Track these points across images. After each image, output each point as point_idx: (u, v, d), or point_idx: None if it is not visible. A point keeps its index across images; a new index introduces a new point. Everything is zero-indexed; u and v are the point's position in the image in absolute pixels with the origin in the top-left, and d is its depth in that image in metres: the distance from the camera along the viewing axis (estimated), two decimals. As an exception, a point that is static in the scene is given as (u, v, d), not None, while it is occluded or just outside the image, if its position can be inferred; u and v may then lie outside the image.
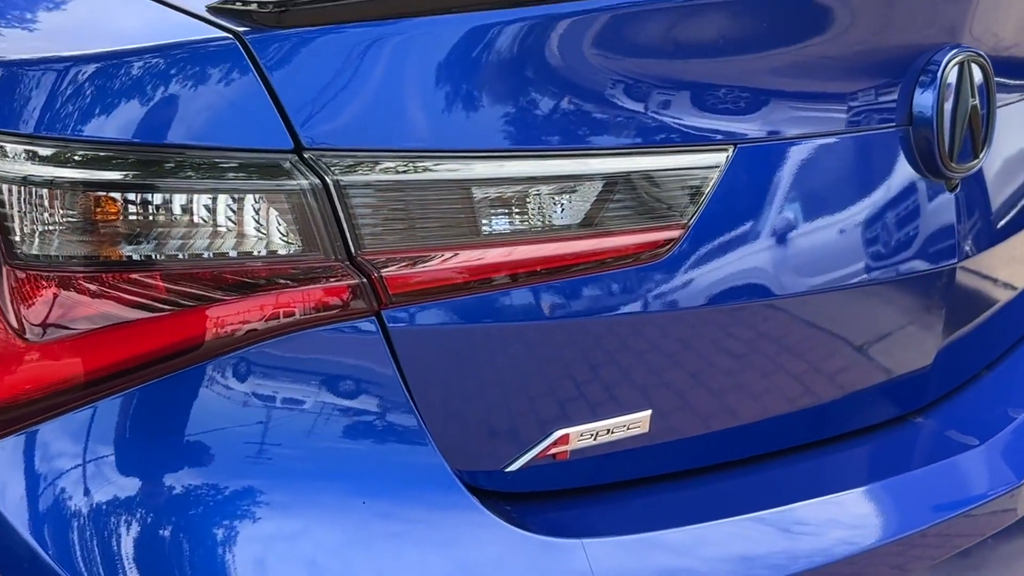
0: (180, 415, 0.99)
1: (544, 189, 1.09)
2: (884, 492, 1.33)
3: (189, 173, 0.99)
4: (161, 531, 0.95)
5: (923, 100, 1.32)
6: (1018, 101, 1.50)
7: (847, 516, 1.28)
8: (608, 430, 1.15)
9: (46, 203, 0.99)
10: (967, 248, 1.41)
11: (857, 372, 1.37)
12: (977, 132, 1.38)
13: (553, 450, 1.13)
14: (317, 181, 1.00)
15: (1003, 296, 1.57)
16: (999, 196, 1.48)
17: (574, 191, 1.10)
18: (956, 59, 1.34)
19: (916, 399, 1.45)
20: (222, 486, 0.97)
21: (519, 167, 1.08)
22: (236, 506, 0.96)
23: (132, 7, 1.08)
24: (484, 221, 1.06)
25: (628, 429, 1.17)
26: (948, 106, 1.33)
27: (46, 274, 0.98)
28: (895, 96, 1.32)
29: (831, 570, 1.21)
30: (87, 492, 0.96)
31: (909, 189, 1.35)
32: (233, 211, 1.00)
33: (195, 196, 0.99)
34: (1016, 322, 1.63)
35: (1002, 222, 1.49)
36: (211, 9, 1.00)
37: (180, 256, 0.99)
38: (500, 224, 1.07)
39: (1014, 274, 1.58)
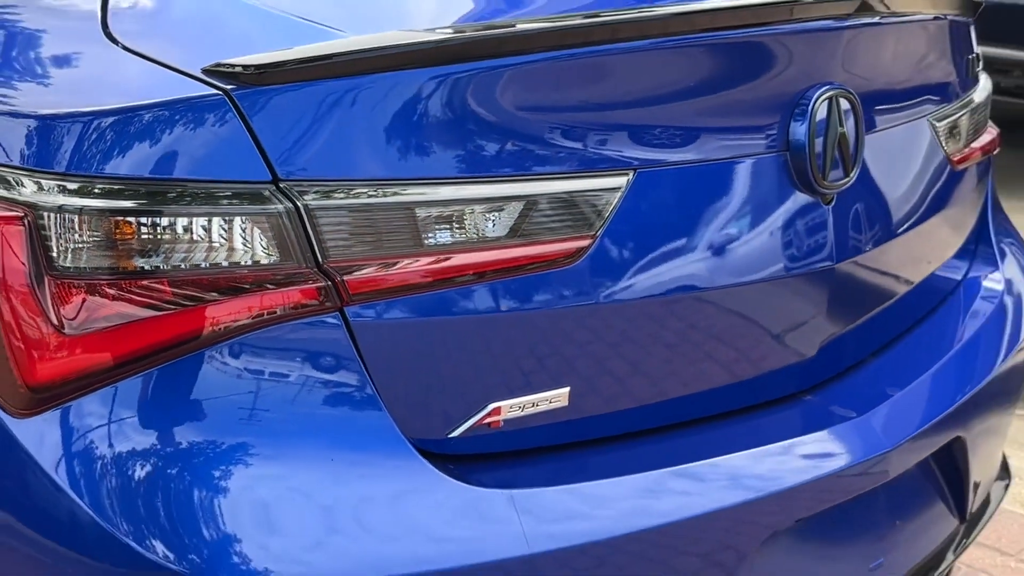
0: (187, 389, 1.23)
1: (477, 208, 1.33)
2: (774, 455, 1.57)
3: (188, 201, 1.23)
4: (173, 475, 1.19)
5: (797, 130, 1.57)
6: (887, 128, 1.75)
7: (740, 473, 1.51)
8: (533, 403, 1.39)
9: (76, 226, 1.22)
10: (843, 252, 1.66)
11: (751, 358, 1.61)
12: (846, 155, 1.62)
13: (488, 420, 1.37)
14: (291, 205, 1.24)
15: (882, 293, 1.81)
16: (872, 208, 1.72)
17: (501, 209, 1.35)
18: (825, 95, 1.58)
19: (805, 380, 1.69)
20: (220, 441, 1.21)
21: (455, 191, 1.32)
22: (232, 455, 1.21)
23: (139, 67, 1.32)
24: (427, 234, 1.30)
25: (551, 403, 1.41)
26: (818, 134, 1.58)
27: (77, 282, 1.22)
28: (776, 127, 1.57)
29: (722, 514, 1.44)
30: (114, 449, 1.20)
31: (790, 203, 1.59)
32: (224, 230, 1.23)
33: (193, 219, 1.23)
34: (897, 316, 1.87)
35: (875, 230, 1.73)
36: (205, 71, 1.24)
37: (182, 266, 1.23)
38: (441, 236, 1.31)
39: (891, 275, 1.82)
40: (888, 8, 1.72)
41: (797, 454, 1.59)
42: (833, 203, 1.64)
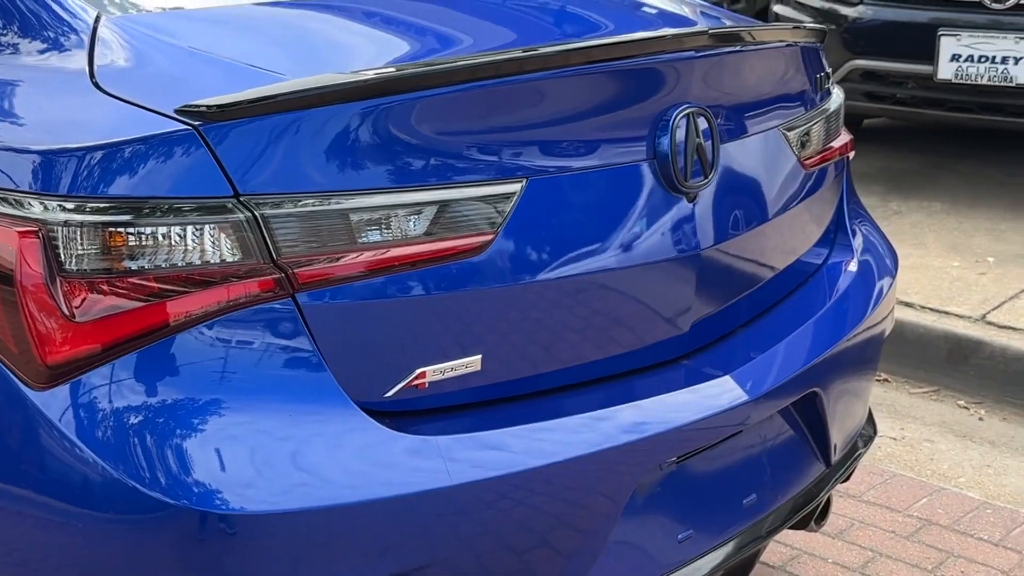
0: (173, 361, 1.52)
1: (400, 212, 1.63)
2: (654, 407, 1.88)
3: (166, 214, 1.52)
4: (160, 425, 1.48)
5: (662, 141, 1.88)
6: (743, 137, 2.07)
7: (624, 421, 1.82)
8: (452, 368, 1.69)
9: (79, 237, 1.51)
10: (706, 241, 1.97)
11: (634, 330, 1.92)
12: (704, 161, 1.94)
13: (416, 382, 1.67)
14: (249, 214, 1.53)
15: (747, 274, 2.13)
16: (731, 205, 2.04)
17: (420, 212, 1.64)
18: (684, 112, 1.90)
19: (682, 347, 2.00)
20: (199, 398, 1.50)
21: (382, 199, 1.61)
22: (209, 408, 1.50)
23: (123, 110, 1.61)
24: (361, 234, 1.60)
25: (466, 368, 1.71)
26: (679, 144, 1.89)
27: (82, 281, 1.51)
28: (645, 139, 1.88)
29: (607, 454, 1.75)
30: (114, 409, 1.49)
31: (659, 202, 1.90)
32: (196, 235, 1.53)
33: (171, 228, 1.52)
34: (763, 294, 2.19)
35: (735, 222, 2.05)
36: (177, 110, 1.54)
37: (164, 265, 1.52)
38: (373, 235, 1.61)
39: (755, 259, 2.14)
40: (739, 41, 2.05)
41: (673, 405, 1.89)
42: (696, 201, 1.95)
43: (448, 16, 2.06)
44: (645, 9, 2.35)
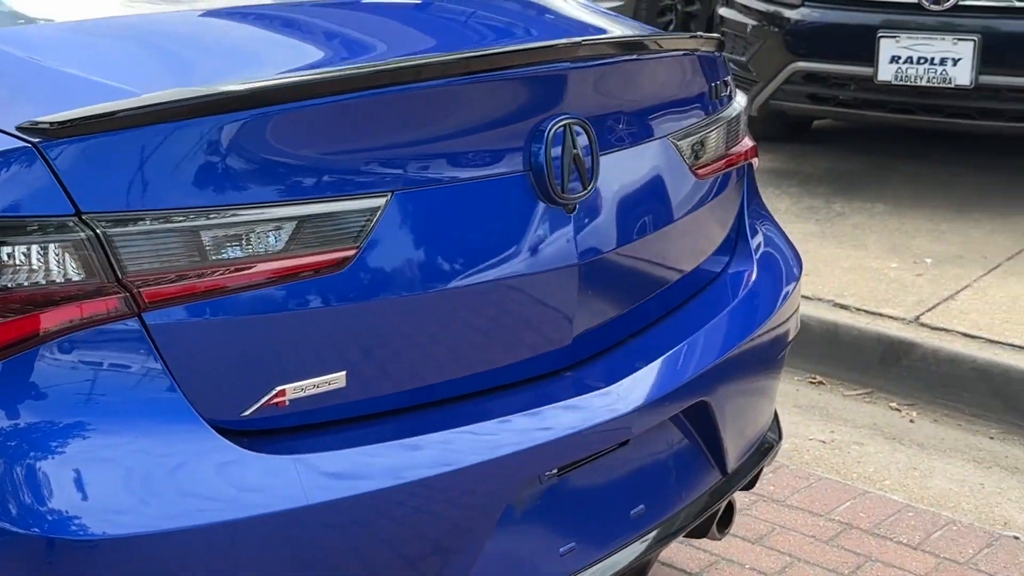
0: (24, 381, 1.48)
1: (255, 228, 1.60)
2: (530, 421, 1.85)
3: (9, 233, 1.48)
4: (18, 447, 1.45)
5: (537, 153, 1.86)
6: (628, 147, 2.04)
7: (497, 436, 1.79)
8: (314, 386, 1.66)
9: None
10: (586, 253, 1.94)
11: (509, 342, 1.89)
12: (583, 172, 1.91)
13: (275, 400, 1.64)
14: (91, 233, 1.50)
15: (635, 284, 2.10)
16: (614, 215, 2.01)
17: (276, 228, 1.61)
18: (560, 124, 1.87)
19: (564, 359, 1.98)
20: (52, 419, 1.48)
21: (232, 216, 1.58)
22: (54, 431, 1.47)
23: None
24: (211, 250, 1.57)
25: (330, 385, 1.68)
26: (554, 155, 1.87)
27: None
28: (520, 151, 1.86)
29: (475, 470, 1.72)
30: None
31: (536, 213, 1.88)
32: (40, 255, 1.50)
33: (15, 247, 1.49)
34: (655, 303, 2.17)
35: (619, 233, 2.02)
36: (19, 128, 1.51)
37: (9, 285, 1.49)
38: (224, 252, 1.58)
39: (643, 269, 2.11)
40: (622, 51, 2.02)
41: (549, 419, 1.87)
42: (576, 212, 1.93)
43: (329, 28, 2.03)
44: (535, 18, 2.32)
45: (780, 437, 2.58)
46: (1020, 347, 3.88)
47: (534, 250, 1.88)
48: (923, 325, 4.08)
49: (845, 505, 3.25)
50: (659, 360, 2.06)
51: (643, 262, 2.11)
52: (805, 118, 5.83)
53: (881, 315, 4.17)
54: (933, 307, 4.19)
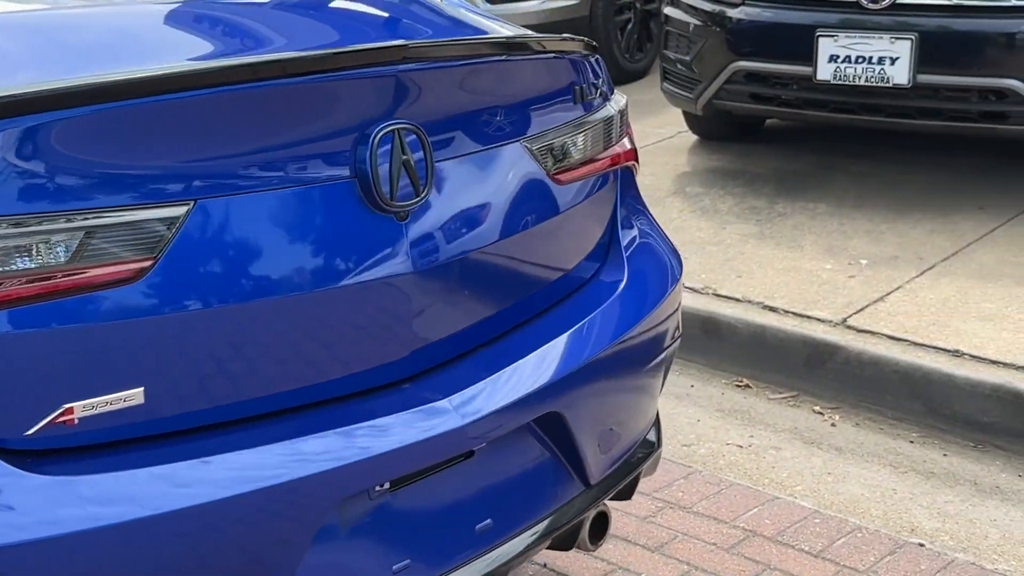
0: None
1: (37, 241, 1.53)
2: (353, 436, 1.78)
3: None
4: None
5: (361, 159, 1.79)
6: (472, 152, 1.98)
7: (313, 452, 1.72)
8: (108, 403, 1.59)
9: None
10: (422, 261, 1.88)
11: (335, 356, 1.83)
12: (415, 179, 1.85)
13: (62, 419, 1.57)
14: None
15: (484, 292, 2.04)
16: (456, 222, 1.94)
17: (60, 241, 1.55)
18: (387, 129, 1.81)
19: (402, 371, 1.91)
20: None
21: (13, 228, 1.51)
22: None
23: None
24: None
25: (125, 402, 1.61)
26: (381, 161, 1.80)
27: None
28: (344, 158, 1.79)
29: (284, 487, 1.65)
30: None
31: (362, 222, 1.81)
32: None
33: None
34: (507, 313, 2.10)
35: (463, 241, 1.95)
36: None
37: None
38: (11, 264, 1.51)
39: (491, 278, 2.05)
40: (464, 54, 1.96)
41: (376, 433, 1.80)
42: (409, 219, 1.86)
43: (151, 27, 1.95)
44: (386, 19, 2.25)
45: (659, 445, 2.51)
46: (944, 350, 3.81)
47: (362, 259, 1.81)
48: (849, 328, 4.01)
49: (752, 512, 3.18)
50: (506, 371, 1.99)
51: (492, 270, 2.05)
52: (754, 118, 5.75)
53: (809, 317, 4.10)
54: (861, 309, 4.12)
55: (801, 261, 4.56)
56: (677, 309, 2.49)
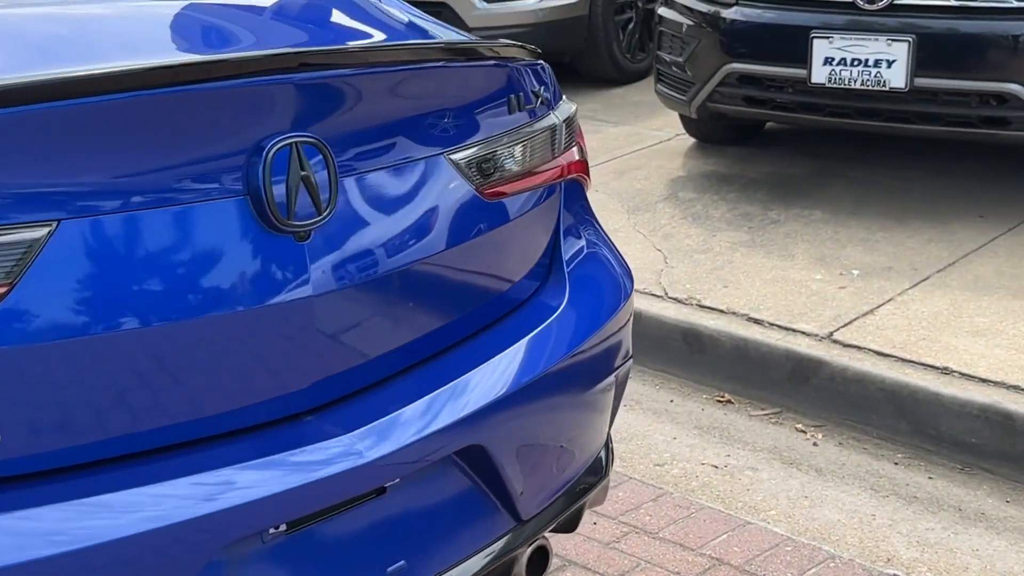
0: None
1: None
2: (252, 472, 1.65)
3: None
4: None
5: (254, 174, 1.65)
6: (384, 167, 1.83)
7: (220, 493, 1.59)
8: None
9: None
10: (325, 286, 1.74)
11: (233, 385, 1.69)
12: (315, 196, 1.71)
13: None
14: None
15: (398, 318, 1.89)
16: (366, 242, 1.80)
17: None
18: (284, 142, 1.67)
19: (304, 402, 1.77)
20: None
21: None
22: None
23: None
24: None
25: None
26: (276, 178, 1.66)
27: None
28: (236, 173, 1.65)
29: (157, 534, 1.52)
30: None
31: (256, 241, 1.67)
32: None
33: None
34: (432, 339, 1.95)
35: (374, 262, 1.81)
36: None
37: None
38: None
39: (407, 302, 1.90)
40: (378, 61, 1.81)
41: (269, 471, 1.66)
42: (310, 240, 1.72)
43: (37, 30, 1.82)
44: (302, 19, 2.10)
45: (606, 474, 2.36)
46: (932, 367, 3.64)
47: (256, 282, 1.67)
48: (835, 342, 3.85)
49: (721, 538, 3.03)
50: (420, 402, 1.85)
51: (407, 294, 1.90)
52: (751, 121, 5.59)
53: (794, 331, 3.94)
54: (849, 323, 3.96)
55: (791, 271, 4.40)
56: (626, 329, 2.34)
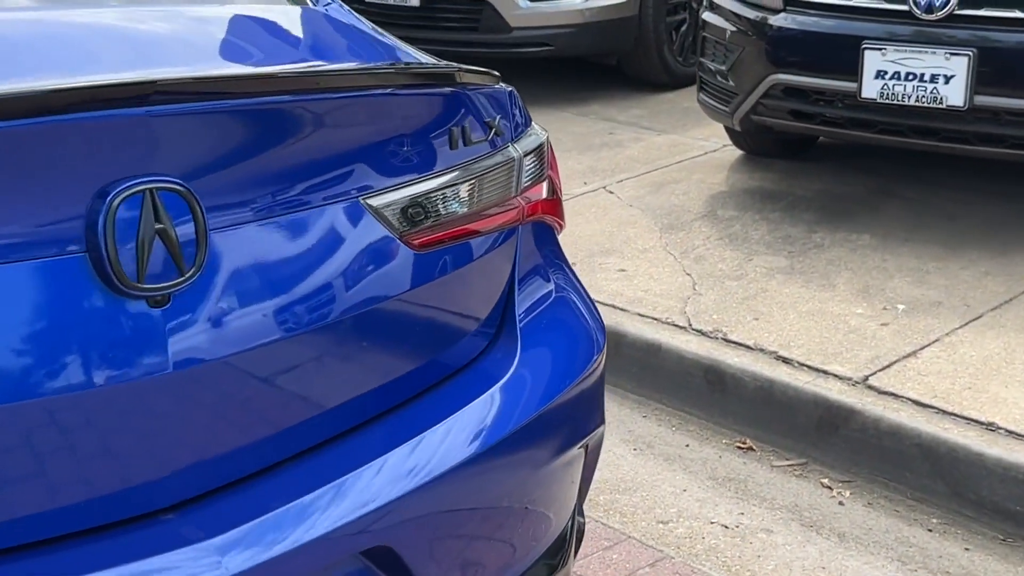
0: None
1: None
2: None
3: None
4: None
5: (93, 227, 1.36)
6: (265, 220, 1.53)
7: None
8: None
9: None
10: (188, 360, 1.44)
11: (73, 478, 1.40)
12: (176, 254, 1.41)
13: None
14: None
15: (271, 400, 1.58)
16: (239, 308, 1.50)
17: None
18: (135, 188, 1.37)
19: (159, 499, 1.48)
20: None
21: None
22: None
23: None
24: None
25: None
26: (124, 231, 1.37)
27: None
28: (75, 225, 1.36)
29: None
30: None
31: (102, 308, 1.38)
32: None
33: None
34: (326, 419, 1.64)
35: (248, 333, 1.50)
36: None
37: None
38: None
39: (281, 380, 1.58)
40: (253, 90, 1.51)
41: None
42: (168, 306, 1.42)
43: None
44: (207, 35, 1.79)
45: (563, 564, 2.04)
46: (976, 421, 3.26)
47: (98, 357, 1.38)
48: (870, 388, 3.48)
49: (721, 616, 2.70)
50: (309, 497, 1.55)
51: (300, 366, 1.60)
52: (802, 133, 5.20)
53: (825, 372, 3.57)
54: (888, 366, 3.58)
55: (829, 303, 4.02)
56: (595, 392, 2.02)
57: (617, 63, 6.78)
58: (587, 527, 3.06)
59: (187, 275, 1.42)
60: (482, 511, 1.77)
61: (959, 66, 4.16)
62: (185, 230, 1.42)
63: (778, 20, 4.59)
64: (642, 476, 3.36)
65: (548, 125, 6.50)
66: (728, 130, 5.35)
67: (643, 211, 4.93)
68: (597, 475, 3.40)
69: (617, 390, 3.86)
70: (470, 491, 1.73)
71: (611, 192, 5.20)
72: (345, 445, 1.65)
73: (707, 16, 5.03)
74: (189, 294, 1.44)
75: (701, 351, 3.76)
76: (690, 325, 3.90)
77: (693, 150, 5.72)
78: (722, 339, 3.81)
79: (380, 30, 2.03)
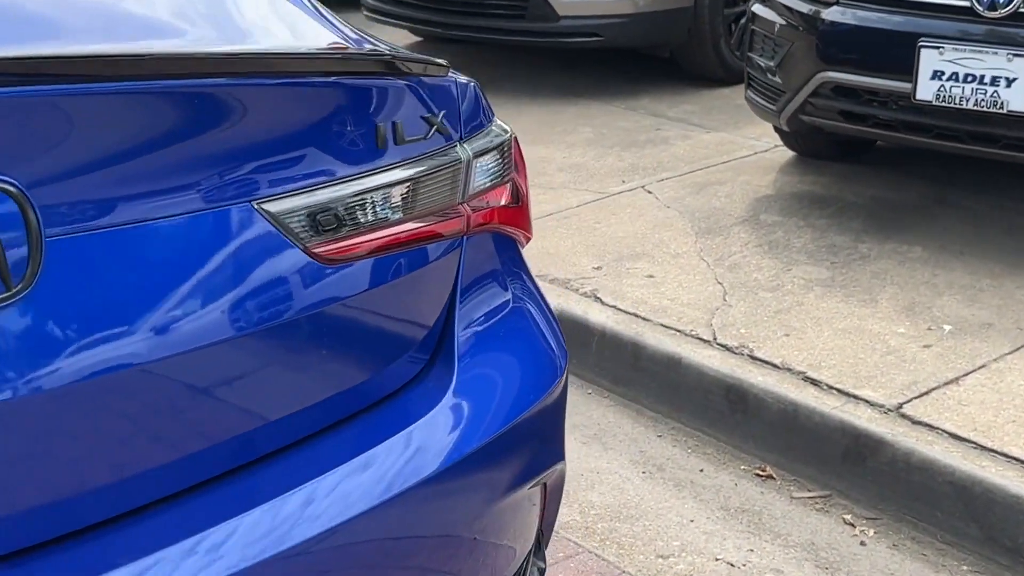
0: None
1: None
2: None
3: None
4: None
5: None
6: (115, 227, 1.30)
7: None
8: None
9: None
10: (18, 387, 1.23)
11: None
12: (2, 264, 1.20)
13: None
14: None
15: (135, 432, 1.36)
16: (89, 327, 1.28)
17: None
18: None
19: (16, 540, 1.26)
20: None
21: None
22: None
23: None
24: None
25: None
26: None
27: None
28: None
29: None
30: None
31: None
32: None
33: None
34: (198, 460, 1.42)
35: (94, 358, 1.28)
36: None
37: None
38: None
39: (137, 412, 1.36)
40: (105, 72, 1.28)
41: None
42: (-5, 324, 1.21)
43: None
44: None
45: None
46: (1016, 460, 2.96)
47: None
48: (903, 416, 3.18)
49: (712, 668, 2.44)
50: (188, 542, 1.32)
51: (170, 394, 1.37)
52: (857, 136, 4.88)
53: (856, 397, 3.28)
54: (925, 393, 3.28)
55: (869, 320, 3.72)
56: (554, 423, 1.78)
57: (671, 55, 6.49)
58: (578, 558, 2.82)
59: (13, 290, 1.20)
60: (405, 561, 1.54)
61: (1022, 68, 3.82)
62: (13, 237, 1.20)
63: (830, 14, 4.27)
64: (648, 503, 3.10)
65: (593, 119, 6.26)
66: (778, 130, 5.04)
67: (681, 213, 4.65)
68: (598, 500, 3.16)
69: (633, 405, 3.60)
70: (388, 537, 1.49)
71: (649, 192, 4.92)
72: (228, 488, 1.42)
73: (757, 8, 4.73)
74: (19, 312, 1.22)
75: (724, 368, 3.48)
76: (715, 339, 3.62)
77: (742, 150, 5.42)
78: (747, 355, 3.53)
79: (324, 8, 1.79)
